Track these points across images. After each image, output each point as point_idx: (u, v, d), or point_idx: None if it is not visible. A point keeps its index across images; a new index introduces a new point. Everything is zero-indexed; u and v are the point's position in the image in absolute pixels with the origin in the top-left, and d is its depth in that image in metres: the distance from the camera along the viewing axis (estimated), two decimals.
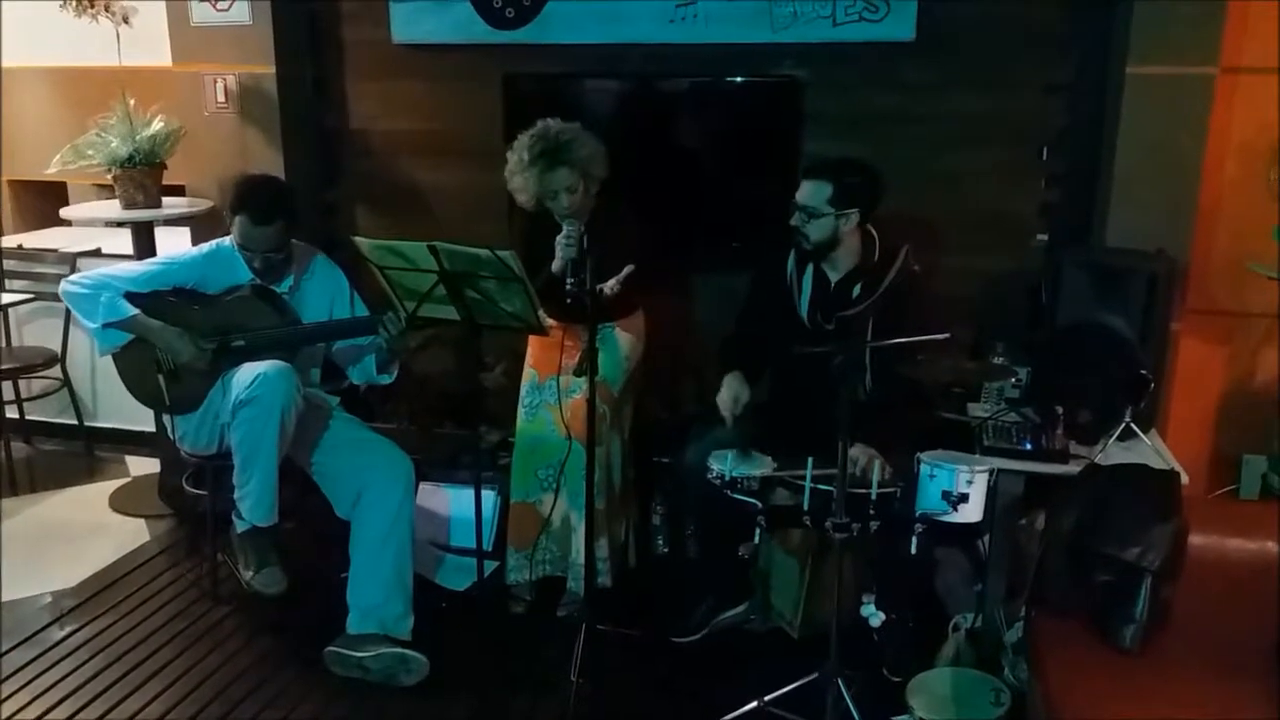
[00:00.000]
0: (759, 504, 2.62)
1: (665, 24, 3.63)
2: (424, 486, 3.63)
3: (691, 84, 3.75)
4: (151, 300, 3.14)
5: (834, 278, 3.04)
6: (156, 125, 3.88)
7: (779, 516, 2.66)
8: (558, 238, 3.00)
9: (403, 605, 3.06)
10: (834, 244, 2.97)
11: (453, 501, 3.74)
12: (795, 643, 3.11)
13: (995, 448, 2.91)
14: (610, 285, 2.91)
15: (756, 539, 2.79)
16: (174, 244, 3.96)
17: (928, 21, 3.45)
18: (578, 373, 2.85)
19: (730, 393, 3.03)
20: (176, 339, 3.09)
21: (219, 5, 3.96)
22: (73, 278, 3.18)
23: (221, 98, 4.05)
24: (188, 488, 3.63)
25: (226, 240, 3.25)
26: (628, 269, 2.96)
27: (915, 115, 3.60)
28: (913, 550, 2.53)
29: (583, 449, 3.00)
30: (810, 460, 2.53)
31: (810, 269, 3.07)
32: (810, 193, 2.93)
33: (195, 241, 3.69)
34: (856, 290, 3.01)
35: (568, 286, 2.85)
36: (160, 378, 3.14)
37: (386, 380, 3.34)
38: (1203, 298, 3.40)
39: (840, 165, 2.97)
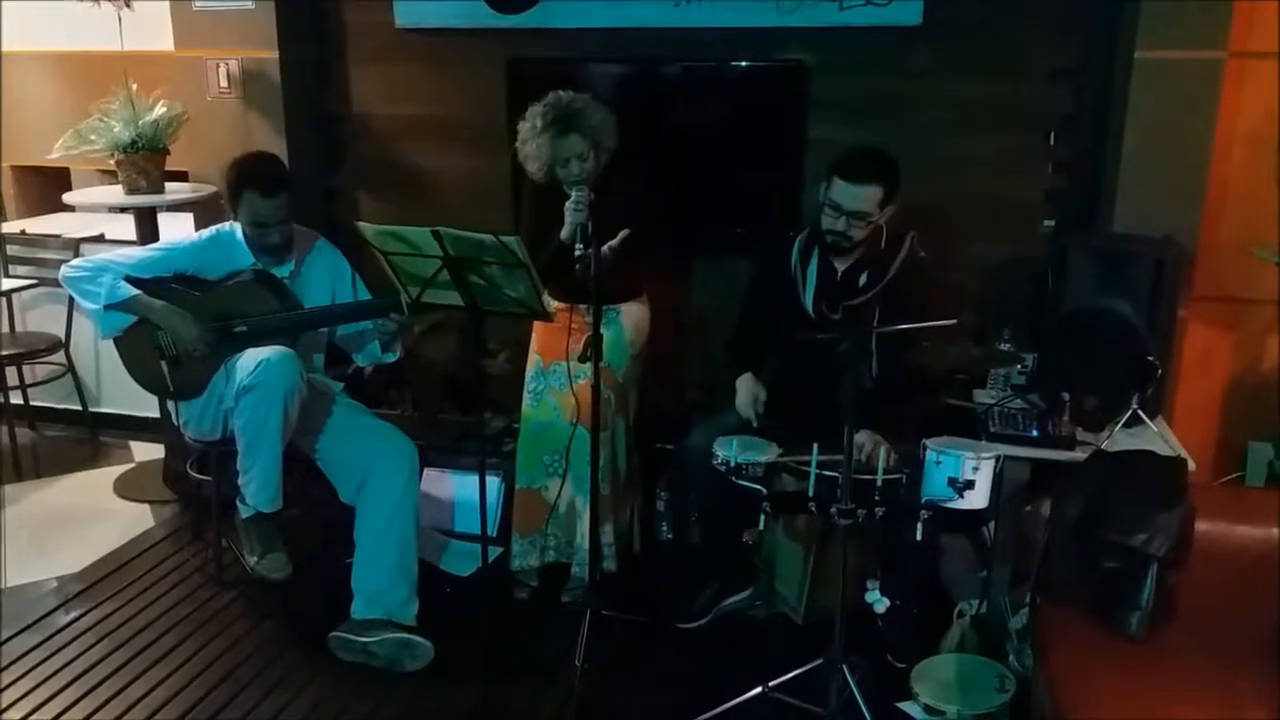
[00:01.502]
0: (764, 490, 2.61)
1: (670, 8, 3.61)
2: (428, 472, 3.63)
3: (696, 68, 3.73)
4: (153, 286, 3.13)
5: (841, 267, 3.03)
6: (159, 110, 3.87)
7: (784, 502, 2.66)
8: (567, 204, 3.00)
9: (407, 591, 3.07)
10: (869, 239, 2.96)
11: (457, 487, 3.75)
12: (799, 629, 3.12)
13: (1001, 434, 2.91)
14: (606, 248, 2.92)
15: (761, 525, 2.78)
16: (177, 229, 3.95)
17: (934, 6, 3.43)
18: (582, 359, 2.85)
19: (748, 394, 3.04)
20: (178, 319, 3.09)
21: None
22: (73, 262, 3.18)
23: (224, 83, 4.04)
24: (192, 473, 3.63)
25: (227, 225, 3.25)
26: (623, 233, 2.96)
27: (921, 100, 3.58)
28: (918, 537, 2.52)
29: (587, 433, 2.99)
30: (815, 446, 2.53)
31: (815, 258, 3.05)
32: (863, 198, 2.89)
33: (198, 227, 3.69)
34: (863, 278, 2.99)
35: (576, 252, 2.85)
36: (163, 363, 3.14)
37: (391, 358, 3.35)
38: (1210, 284, 3.39)
39: (881, 164, 2.92)
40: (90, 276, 3.09)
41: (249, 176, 3.12)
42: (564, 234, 3.02)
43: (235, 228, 3.23)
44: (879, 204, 2.91)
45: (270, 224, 3.13)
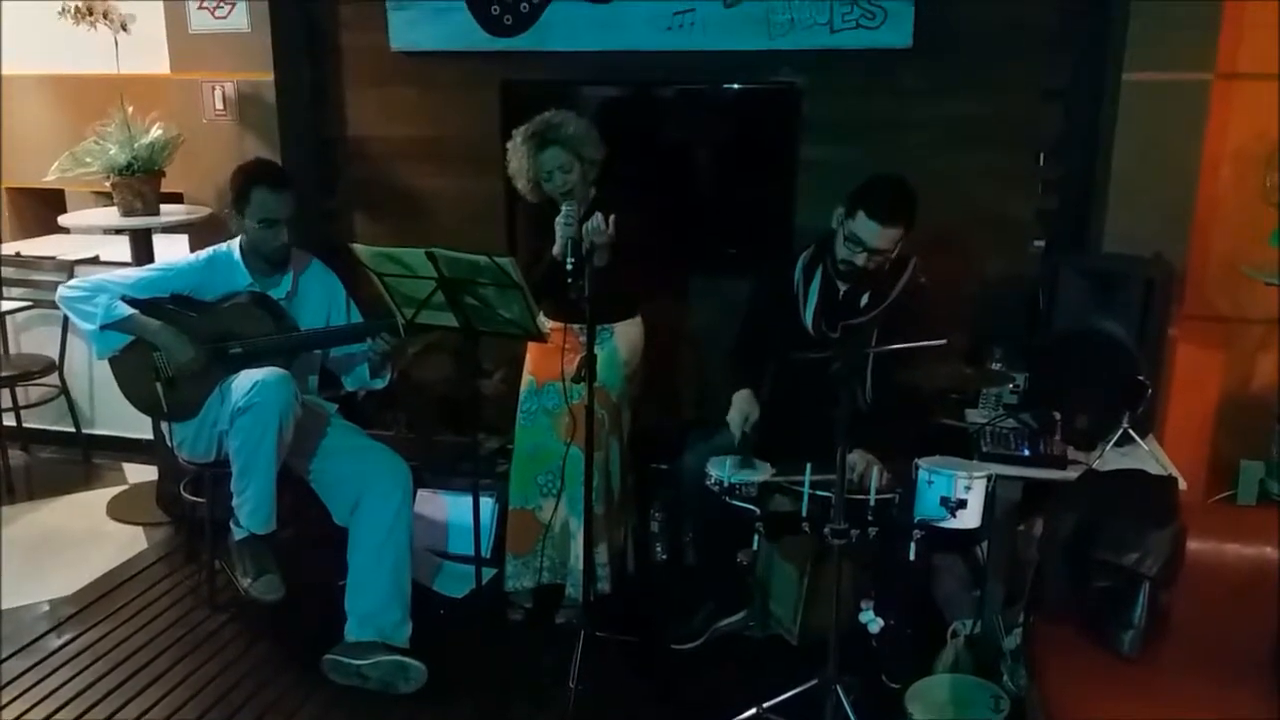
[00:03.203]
0: (757, 510, 2.62)
1: (662, 31, 3.63)
2: (422, 493, 3.62)
3: (689, 91, 3.75)
4: (149, 307, 3.13)
5: (843, 286, 3.04)
6: (155, 133, 3.89)
7: (777, 523, 2.66)
8: (557, 219, 3.03)
9: (400, 612, 3.06)
10: None
11: (450, 508, 3.74)
12: (794, 649, 3.11)
13: (993, 454, 2.92)
14: (595, 223, 2.96)
15: (755, 545, 2.79)
16: (172, 251, 3.95)
17: (925, 27, 3.46)
18: (576, 379, 2.86)
19: (740, 413, 3.03)
20: (174, 338, 3.09)
21: (217, 13, 3.97)
22: (70, 283, 3.18)
23: (220, 105, 4.06)
24: (185, 495, 3.63)
25: (224, 246, 3.26)
26: (611, 216, 2.99)
27: (912, 121, 3.61)
28: (911, 556, 2.53)
29: (581, 453, 3.00)
30: (809, 466, 2.53)
31: (819, 277, 3.07)
32: (889, 238, 2.89)
33: (194, 249, 3.69)
34: (864, 299, 3.01)
35: (568, 266, 2.88)
36: (158, 385, 3.14)
37: (380, 385, 3.34)
38: (1200, 303, 3.41)
39: (909, 203, 2.92)
40: (87, 296, 3.10)
41: (257, 175, 3.17)
42: (555, 250, 3.04)
43: (233, 248, 3.24)
44: (899, 240, 2.93)
45: (280, 220, 3.14)
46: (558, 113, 3.21)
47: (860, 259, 2.92)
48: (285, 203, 3.15)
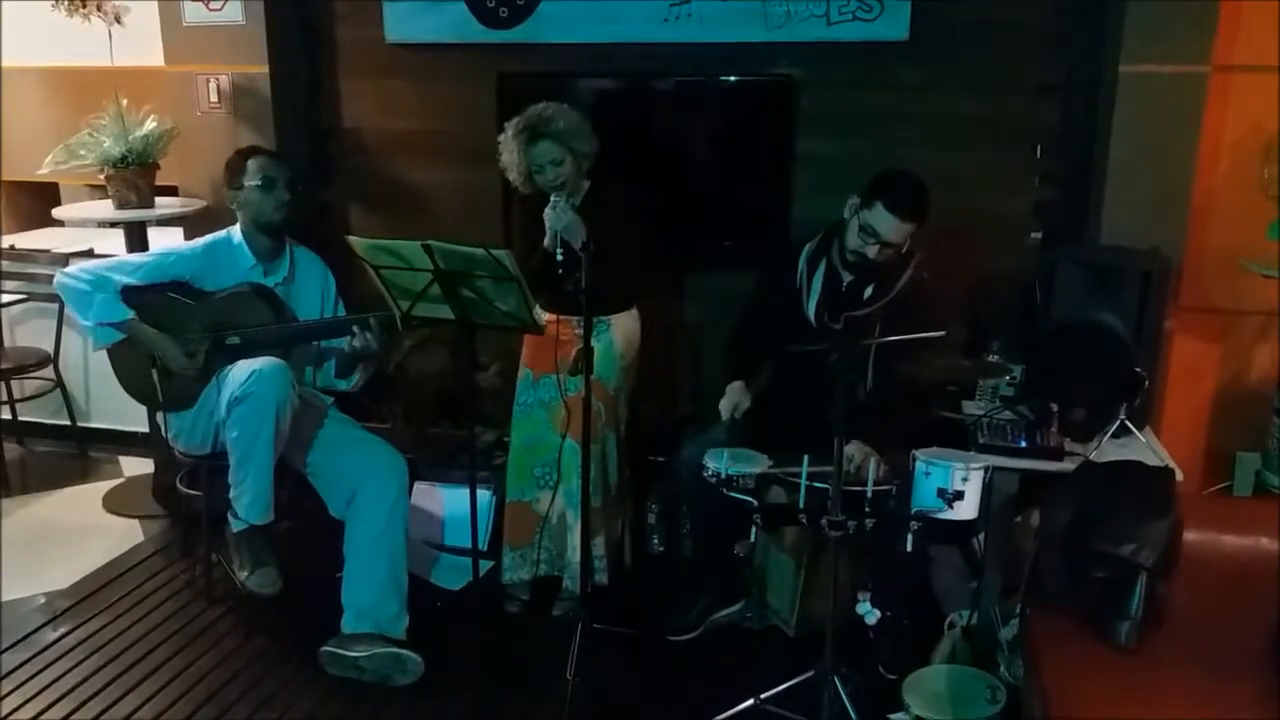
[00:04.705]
0: (755, 502, 2.62)
1: (659, 23, 3.63)
2: (418, 486, 3.62)
3: (685, 83, 3.75)
4: (148, 295, 3.12)
5: (848, 278, 3.05)
6: (149, 125, 3.87)
7: (775, 514, 2.66)
8: (545, 210, 3.03)
9: (397, 605, 3.06)
10: None
11: (447, 501, 3.74)
12: (791, 640, 3.11)
13: (990, 445, 2.92)
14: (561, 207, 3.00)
15: (752, 537, 2.78)
16: (167, 244, 3.94)
17: (921, 21, 3.45)
18: (573, 372, 2.85)
19: (731, 401, 3.07)
20: (169, 345, 3.09)
21: (212, 5, 3.95)
22: (70, 270, 3.16)
23: (214, 97, 4.04)
24: (181, 488, 3.62)
25: (224, 232, 3.26)
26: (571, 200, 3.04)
27: (909, 114, 3.60)
28: (908, 548, 2.52)
29: (577, 446, 3.00)
30: (806, 458, 2.53)
31: (822, 268, 3.07)
32: (904, 231, 2.90)
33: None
34: (868, 291, 3.01)
35: (558, 257, 2.89)
36: (154, 374, 3.13)
37: (345, 387, 3.32)
38: (1196, 295, 3.41)
39: (926, 198, 2.92)
40: (85, 292, 3.07)
41: (251, 149, 3.23)
42: (546, 243, 3.04)
43: (233, 233, 3.24)
44: (910, 235, 2.93)
45: (278, 179, 3.15)
46: (549, 105, 3.20)
47: (872, 251, 2.92)
48: (281, 166, 3.18)
